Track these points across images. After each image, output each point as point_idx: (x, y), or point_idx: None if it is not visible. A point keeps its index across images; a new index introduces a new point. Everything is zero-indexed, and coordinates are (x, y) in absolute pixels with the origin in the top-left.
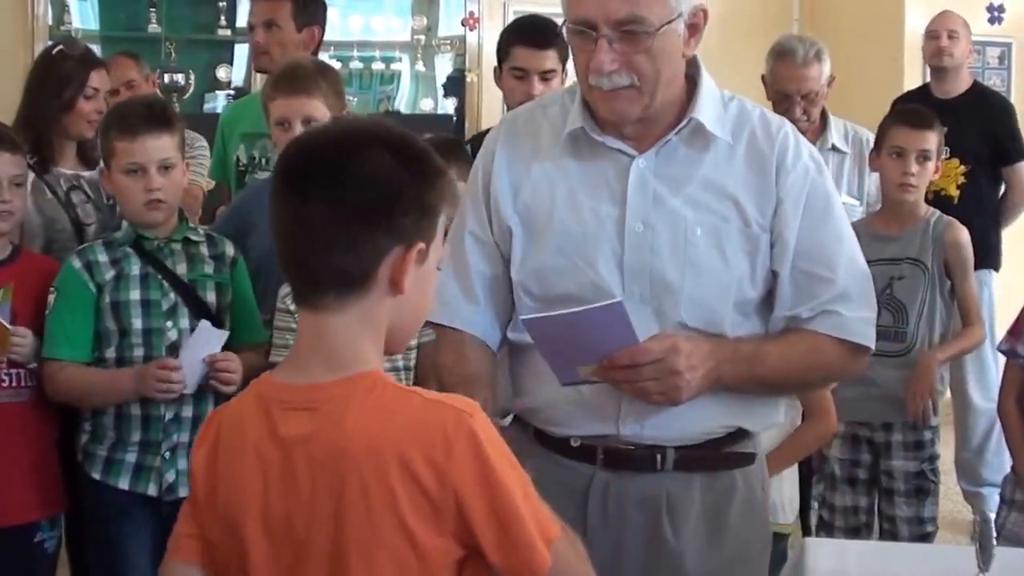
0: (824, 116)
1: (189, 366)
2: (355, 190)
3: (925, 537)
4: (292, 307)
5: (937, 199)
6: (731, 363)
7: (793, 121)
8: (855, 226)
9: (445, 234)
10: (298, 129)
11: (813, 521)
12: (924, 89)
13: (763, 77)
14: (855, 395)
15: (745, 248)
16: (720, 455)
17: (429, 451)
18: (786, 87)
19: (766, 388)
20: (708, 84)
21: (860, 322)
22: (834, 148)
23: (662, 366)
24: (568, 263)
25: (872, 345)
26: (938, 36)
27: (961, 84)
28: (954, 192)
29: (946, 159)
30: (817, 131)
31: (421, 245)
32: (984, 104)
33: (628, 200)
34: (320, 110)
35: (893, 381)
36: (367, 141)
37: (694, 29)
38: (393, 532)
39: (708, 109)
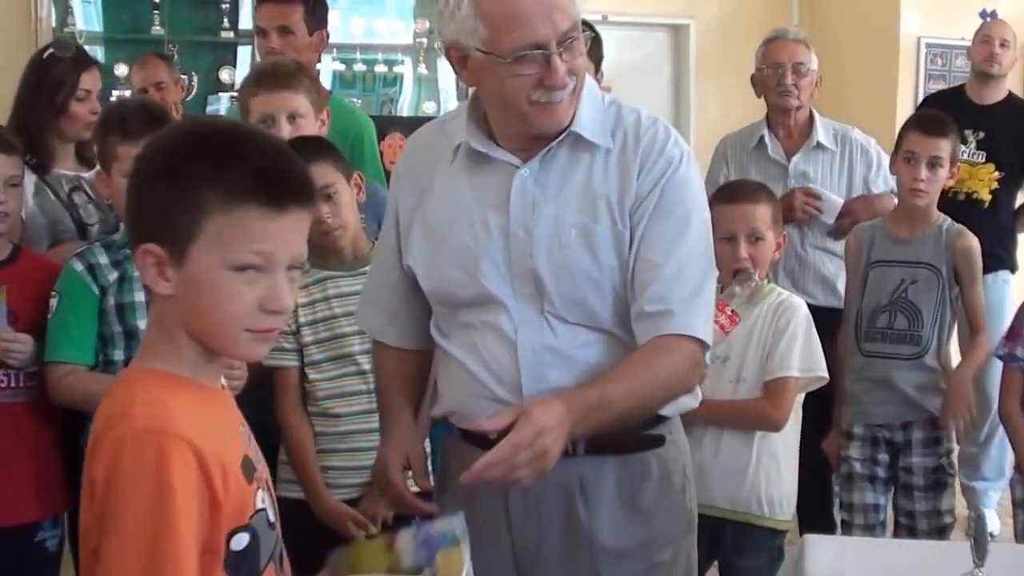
0: (811, 115)
1: None
2: (129, 185)
3: (944, 529)
4: None
5: (968, 201)
6: (580, 421)
7: (784, 88)
8: (869, 226)
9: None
10: (283, 125)
11: (838, 521)
12: (959, 91)
13: (752, 78)
14: (873, 399)
15: (615, 246)
16: (630, 438)
17: (99, 432)
18: (778, 57)
19: (623, 422)
20: (589, 91)
21: (688, 316)
22: (819, 145)
23: (533, 451)
24: (464, 274)
25: (705, 338)
26: (991, 42)
27: (1001, 92)
28: (986, 196)
29: (982, 164)
30: (805, 130)
31: (151, 245)
32: (1018, 113)
33: (511, 209)
34: (304, 105)
35: (909, 383)
36: (165, 135)
37: None
38: (89, 500)
39: (587, 117)
